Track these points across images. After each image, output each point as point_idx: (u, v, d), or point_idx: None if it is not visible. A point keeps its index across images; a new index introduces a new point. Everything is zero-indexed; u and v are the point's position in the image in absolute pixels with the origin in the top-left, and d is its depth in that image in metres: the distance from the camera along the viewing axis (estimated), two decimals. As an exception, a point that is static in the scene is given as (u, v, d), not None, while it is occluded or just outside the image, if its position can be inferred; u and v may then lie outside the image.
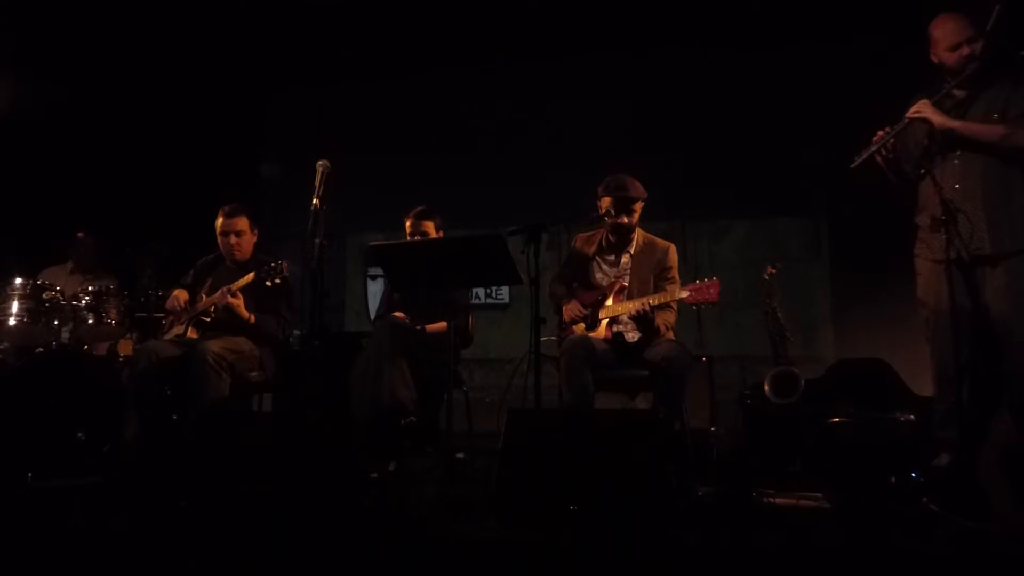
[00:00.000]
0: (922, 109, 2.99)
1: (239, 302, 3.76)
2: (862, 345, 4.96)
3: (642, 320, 3.48)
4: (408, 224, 4.01)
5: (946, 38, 3.02)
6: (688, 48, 5.94)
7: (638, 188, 3.64)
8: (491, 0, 5.56)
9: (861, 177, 3.19)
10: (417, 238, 3.93)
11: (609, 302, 3.63)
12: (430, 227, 3.99)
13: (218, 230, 3.99)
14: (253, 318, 3.81)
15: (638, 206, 3.67)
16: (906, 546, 2.36)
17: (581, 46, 6.07)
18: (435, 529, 2.57)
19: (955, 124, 2.96)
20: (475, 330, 4.18)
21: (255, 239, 4.06)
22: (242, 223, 3.96)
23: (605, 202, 3.65)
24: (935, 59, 3.07)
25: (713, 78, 5.90)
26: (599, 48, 6.08)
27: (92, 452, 3.59)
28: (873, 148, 3.05)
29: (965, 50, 2.97)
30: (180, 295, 3.97)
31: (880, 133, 3.06)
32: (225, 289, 3.74)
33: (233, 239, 3.96)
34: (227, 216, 3.96)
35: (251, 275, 3.71)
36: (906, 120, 3.02)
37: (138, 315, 4.48)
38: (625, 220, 3.63)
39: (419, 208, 4.02)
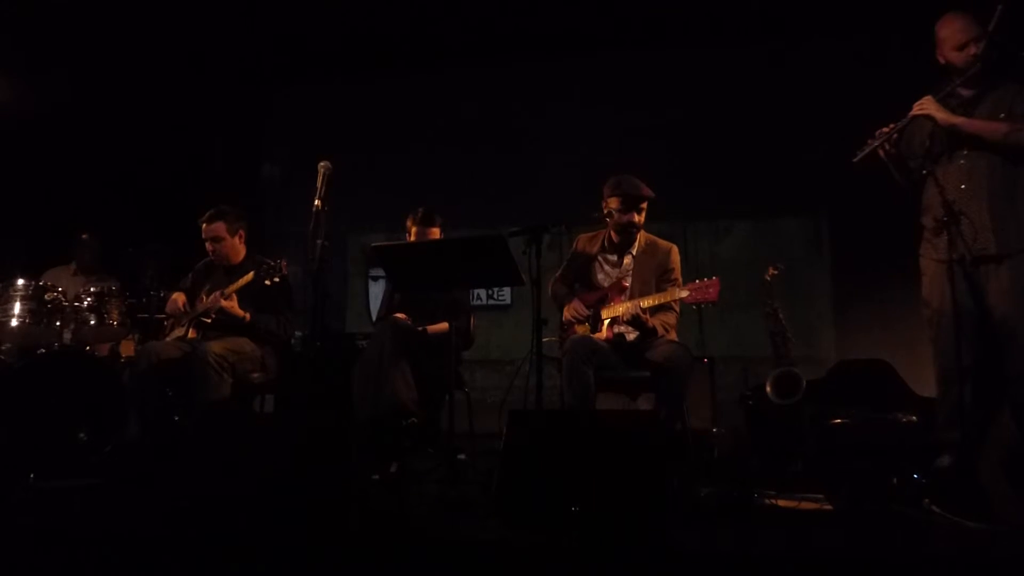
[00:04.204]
0: (926, 105, 2.98)
1: (232, 303, 3.76)
2: (863, 346, 4.95)
3: (636, 322, 3.49)
4: (413, 230, 3.96)
5: (953, 37, 3.00)
6: (689, 49, 5.94)
7: (646, 188, 3.65)
8: (492, 1, 5.56)
9: (863, 177, 3.18)
10: None
11: (611, 302, 3.63)
12: (435, 233, 3.95)
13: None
14: (248, 316, 3.81)
15: (645, 206, 3.67)
16: (907, 547, 2.36)
17: (582, 47, 6.06)
18: (436, 530, 2.57)
19: (958, 120, 2.95)
20: (477, 331, 4.17)
21: (241, 241, 4.03)
22: (218, 229, 3.93)
23: (612, 202, 3.64)
24: (941, 59, 3.06)
25: (714, 79, 5.90)
26: (600, 49, 6.08)
27: (93, 452, 3.60)
28: (876, 143, 3.04)
29: (972, 49, 2.95)
30: (178, 298, 3.98)
31: (884, 129, 3.05)
32: (218, 292, 3.75)
33: (210, 245, 3.96)
34: (204, 223, 3.96)
35: (251, 274, 3.71)
36: (910, 116, 3.02)
37: (140, 316, 4.48)
38: (636, 219, 3.63)
39: (421, 213, 3.96)
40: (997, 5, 2.86)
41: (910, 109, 3.03)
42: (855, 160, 3.07)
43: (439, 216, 3.99)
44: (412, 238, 3.96)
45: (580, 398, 3.30)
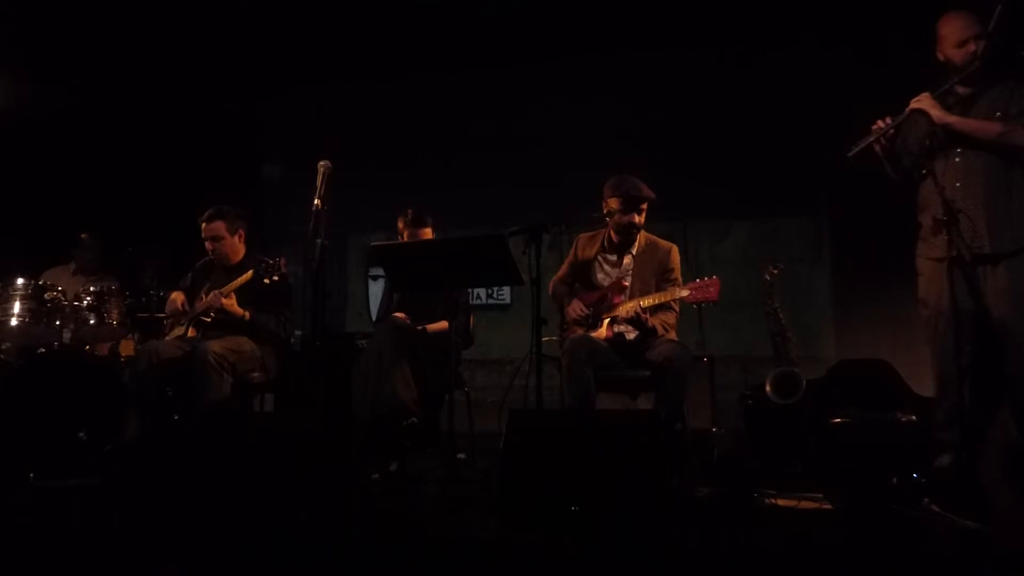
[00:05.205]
0: (922, 101, 2.99)
1: (231, 302, 3.76)
2: (863, 345, 4.95)
3: (636, 321, 3.49)
4: (405, 232, 3.95)
5: (953, 34, 3.02)
6: (689, 48, 5.93)
7: (646, 188, 3.65)
8: (493, 1, 5.56)
9: (863, 178, 3.18)
10: None
11: (611, 302, 3.63)
12: (427, 234, 3.94)
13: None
14: (248, 314, 3.81)
15: (645, 206, 3.67)
16: (907, 547, 2.36)
17: (581, 46, 6.06)
18: (436, 529, 2.57)
19: (952, 119, 2.96)
20: (476, 330, 4.17)
21: (240, 240, 4.02)
22: (217, 228, 3.93)
23: (613, 202, 3.64)
24: (941, 56, 3.07)
25: (714, 78, 5.89)
26: (600, 48, 6.07)
27: (93, 452, 3.60)
28: (871, 137, 3.05)
29: (971, 46, 2.97)
30: (177, 297, 3.98)
31: (879, 123, 3.06)
32: (217, 291, 3.75)
33: (210, 244, 3.96)
34: (204, 222, 3.95)
35: (249, 273, 3.72)
36: (906, 111, 3.02)
37: (140, 316, 4.49)
38: (637, 219, 3.63)
39: (412, 214, 3.94)
40: (997, 5, 2.87)
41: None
42: (850, 154, 3.08)
43: (429, 216, 3.97)
44: (404, 239, 3.95)
45: (580, 398, 3.29)
